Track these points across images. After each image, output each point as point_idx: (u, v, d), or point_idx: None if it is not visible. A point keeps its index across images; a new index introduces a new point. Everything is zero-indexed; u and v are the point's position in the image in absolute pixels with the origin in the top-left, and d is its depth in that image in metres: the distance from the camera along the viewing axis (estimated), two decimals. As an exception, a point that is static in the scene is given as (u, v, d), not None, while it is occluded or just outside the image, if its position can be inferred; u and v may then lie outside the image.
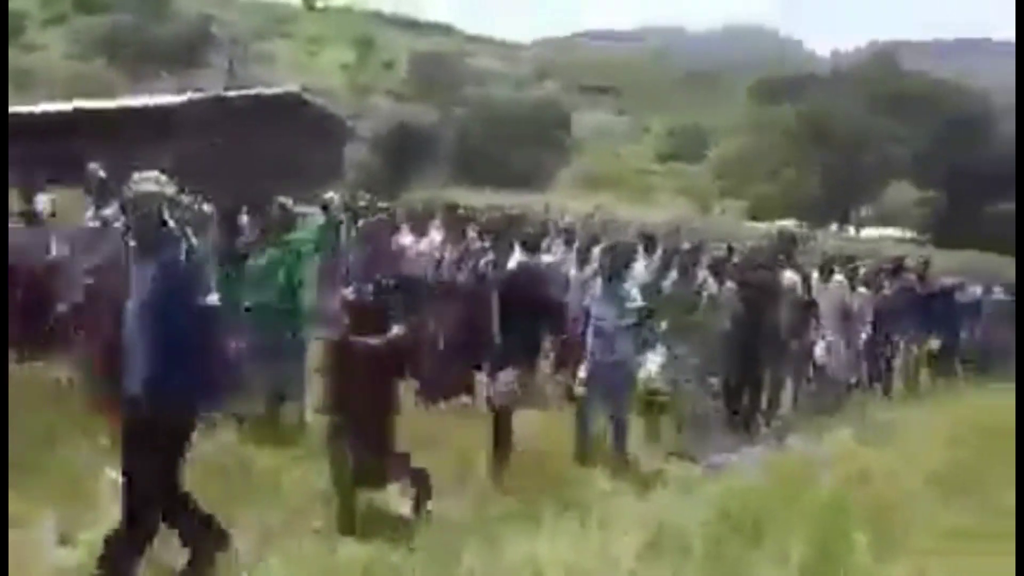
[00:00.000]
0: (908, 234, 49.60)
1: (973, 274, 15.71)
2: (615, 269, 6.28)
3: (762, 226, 40.65)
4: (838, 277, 9.06)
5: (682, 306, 7.12)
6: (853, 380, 9.54)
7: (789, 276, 8.07)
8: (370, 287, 4.74)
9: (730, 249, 10.32)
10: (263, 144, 24.26)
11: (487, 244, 7.65)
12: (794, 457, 6.73)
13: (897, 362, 10.71)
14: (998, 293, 12.74)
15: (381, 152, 35.48)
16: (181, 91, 32.05)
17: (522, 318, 5.79)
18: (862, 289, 9.47)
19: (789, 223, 42.56)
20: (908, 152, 54.24)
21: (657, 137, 74.78)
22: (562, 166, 52.31)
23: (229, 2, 50.10)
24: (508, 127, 46.66)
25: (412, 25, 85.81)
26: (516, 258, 6.91)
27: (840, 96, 58.74)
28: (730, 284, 7.51)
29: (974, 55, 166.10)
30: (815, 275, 8.95)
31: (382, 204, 9.70)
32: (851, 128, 53.17)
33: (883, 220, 52.19)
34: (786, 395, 8.55)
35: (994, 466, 6.19)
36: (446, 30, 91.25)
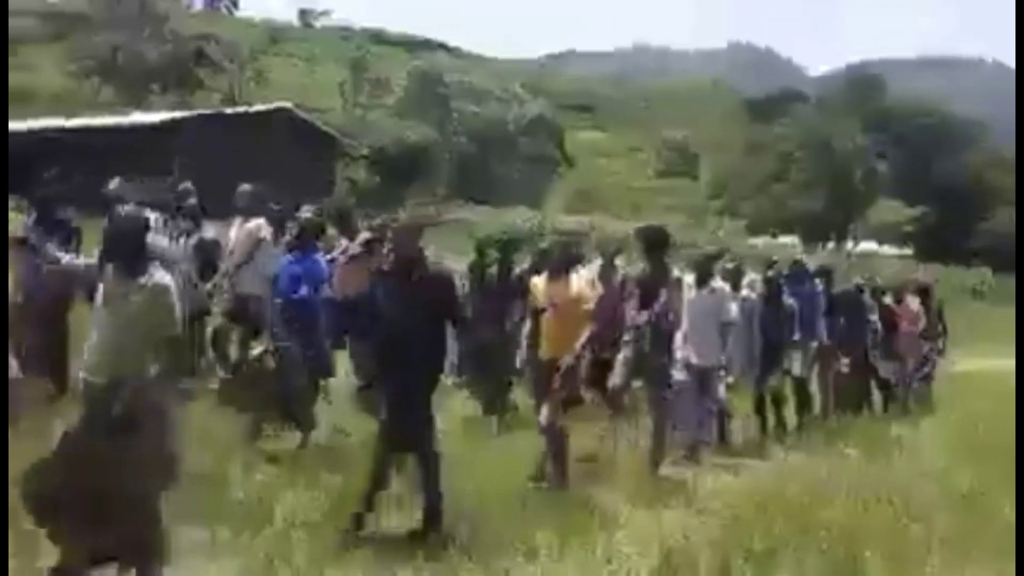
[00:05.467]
0: (906, 251, 49.52)
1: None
2: None
3: (759, 241, 40.70)
4: (717, 283, 7.37)
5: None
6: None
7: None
8: None
9: None
10: (255, 159, 24.26)
11: None
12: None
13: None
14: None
15: (378, 169, 35.51)
16: (174, 108, 32.00)
17: None
18: (750, 294, 7.98)
19: (788, 240, 42.55)
20: (895, 169, 54.57)
21: (648, 154, 74.97)
22: (556, 183, 52.44)
23: (223, 20, 50.10)
24: (503, 144, 46.68)
25: (407, 43, 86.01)
26: None
27: (829, 114, 59.05)
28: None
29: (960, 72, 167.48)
30: (688, 279, 7.26)
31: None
32: (841, 145, 53.39)
33: (875, 236, 52.27)
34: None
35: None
36: (439, 48, 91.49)
